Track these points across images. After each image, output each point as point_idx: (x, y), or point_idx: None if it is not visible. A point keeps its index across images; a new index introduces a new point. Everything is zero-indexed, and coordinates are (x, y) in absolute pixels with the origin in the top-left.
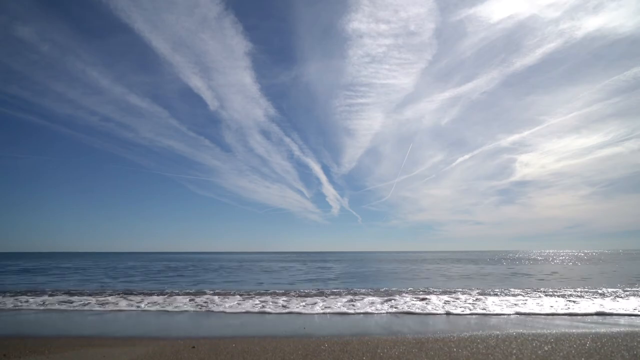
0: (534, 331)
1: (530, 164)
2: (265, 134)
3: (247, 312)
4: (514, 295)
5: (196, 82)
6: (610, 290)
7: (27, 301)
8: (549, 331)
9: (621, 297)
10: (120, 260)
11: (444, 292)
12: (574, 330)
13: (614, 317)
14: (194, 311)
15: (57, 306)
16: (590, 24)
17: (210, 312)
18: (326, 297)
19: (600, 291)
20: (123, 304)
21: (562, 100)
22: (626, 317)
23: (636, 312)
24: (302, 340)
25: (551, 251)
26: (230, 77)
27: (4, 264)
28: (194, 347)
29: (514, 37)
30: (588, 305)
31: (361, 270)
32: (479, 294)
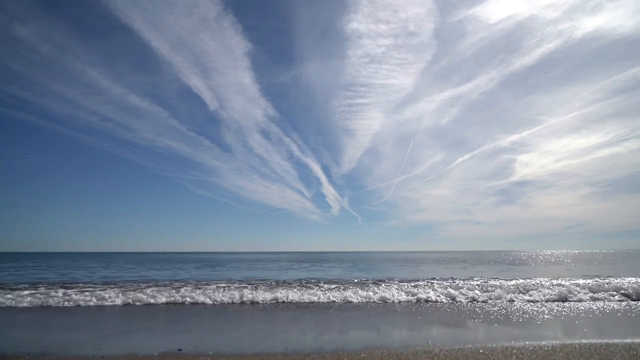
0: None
1: (530, 164)
2: (265, 134)
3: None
4: None
5: (196, 82)
6: None
7: None
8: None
9: None
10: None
11: None
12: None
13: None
14: None
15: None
16: (589, 24)
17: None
18: None
19: None
20: None
21: (562, 100)
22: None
23: None
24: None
25: (553, 251)
26: (229, 77)
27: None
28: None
29: (513, 38)
30: None
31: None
32: None
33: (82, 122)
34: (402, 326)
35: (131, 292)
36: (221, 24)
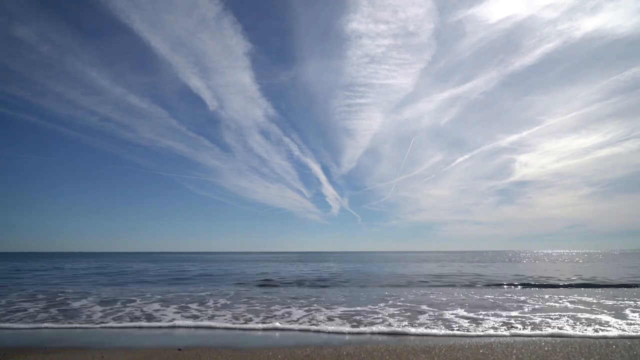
0: (534, 331)
1: (530, 164)
2: (265, 134)
3: None
4: None
5: (195, 82)
6: None
7: None
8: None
9: None
10: (131, 260)
11: None
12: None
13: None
14: None
15: None
16: (589, 24)
17: None
18: None
19: None
20: None
21: (561, 100)
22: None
23: None
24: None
25: (554, 251)
26: (229, 77)
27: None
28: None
29: (512, 38)
30: None
31: None
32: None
33: (82, 122)
34: None
35: None
36: (221, 24)
